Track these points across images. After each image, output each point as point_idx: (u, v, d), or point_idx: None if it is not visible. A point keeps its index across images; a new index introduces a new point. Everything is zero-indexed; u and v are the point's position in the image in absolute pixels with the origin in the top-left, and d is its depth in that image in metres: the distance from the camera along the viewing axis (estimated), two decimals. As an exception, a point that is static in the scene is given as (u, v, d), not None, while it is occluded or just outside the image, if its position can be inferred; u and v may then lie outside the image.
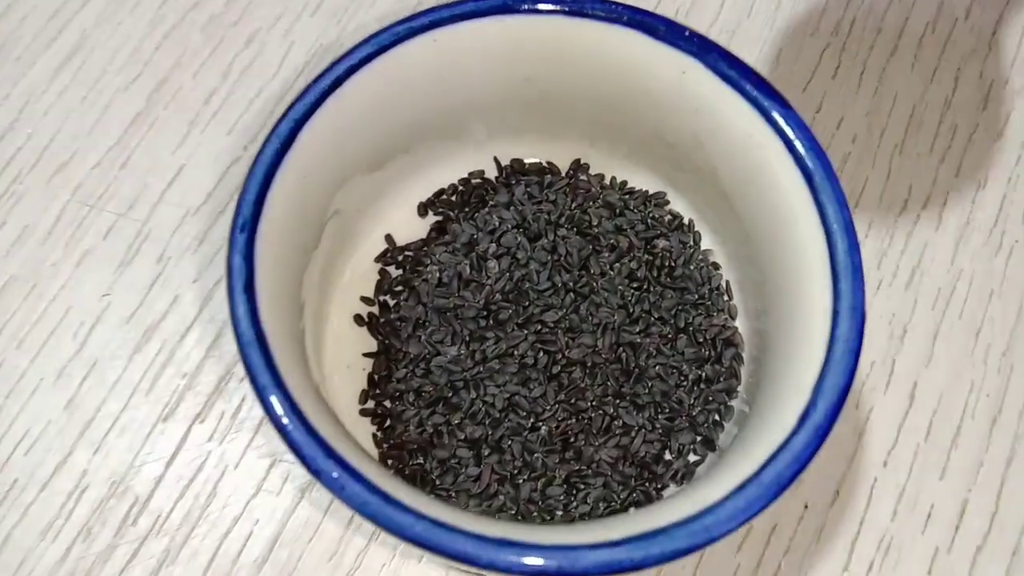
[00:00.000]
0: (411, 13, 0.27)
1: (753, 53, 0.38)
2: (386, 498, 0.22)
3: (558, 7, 0.27)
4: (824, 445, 0.23)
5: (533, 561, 0.21)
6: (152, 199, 0.36)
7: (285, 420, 0.23)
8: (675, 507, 0.22)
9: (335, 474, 0.22)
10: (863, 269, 0.24)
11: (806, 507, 0.32)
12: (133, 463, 0.32)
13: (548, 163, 0.34)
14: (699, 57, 0.26)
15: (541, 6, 0.27)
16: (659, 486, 0.30)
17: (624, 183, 0.34)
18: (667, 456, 0.30)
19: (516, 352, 0.30)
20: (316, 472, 0.22)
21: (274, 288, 0.25)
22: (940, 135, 0.37)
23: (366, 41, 0.27)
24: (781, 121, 0.26)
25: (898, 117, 0.38)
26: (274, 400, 0.23)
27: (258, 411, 0.32)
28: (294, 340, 0.26)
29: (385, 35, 0.27)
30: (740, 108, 0.26)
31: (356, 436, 0.27)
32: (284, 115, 0.25)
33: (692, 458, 0.31)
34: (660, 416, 0.30)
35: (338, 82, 0.26)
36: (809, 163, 0.26)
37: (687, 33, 0.27)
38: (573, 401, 0.30)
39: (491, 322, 0.30)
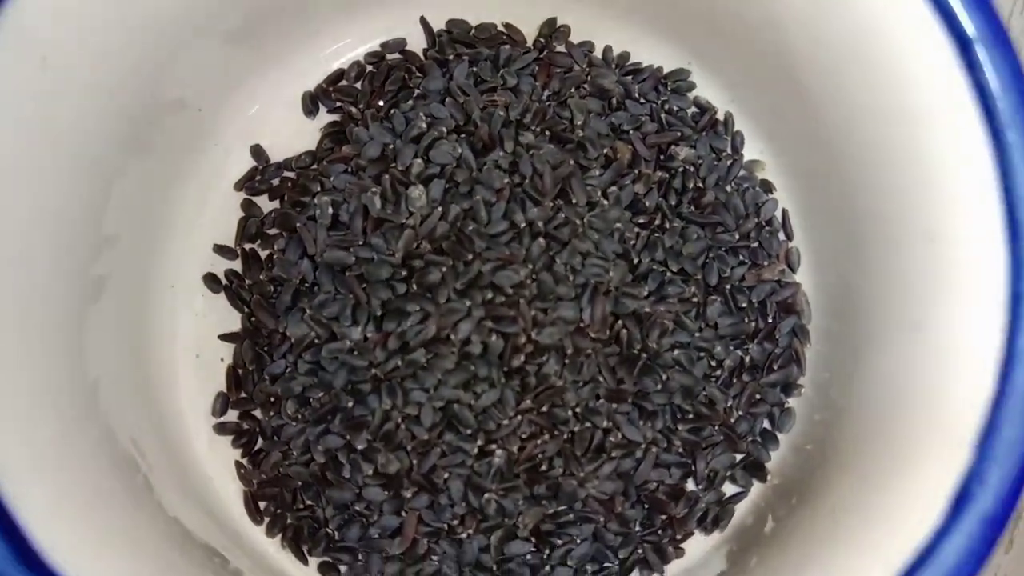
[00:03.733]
0: None
1: None
2: None
3: None
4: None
5: None
6: None
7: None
8: None
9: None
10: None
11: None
12: None
13: (505, 25, 0.30)
14: None
15: None
16: (678, 536, 0.27)
17: (625, 56, 0.30)
18: (690, 487, 0.27)
19: (455, 335, 0.26)
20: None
21: None
22: None
23: None
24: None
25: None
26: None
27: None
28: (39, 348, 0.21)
29: None
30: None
31: (209, 467, 0.26)
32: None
33: (729, 490, 0.27)
34: (680, 426, 0.27)
35: None
36: (964, 20, 0.20)
37: None
38: (546, 409, 0.26)
39: (415, 287, 0.26)
